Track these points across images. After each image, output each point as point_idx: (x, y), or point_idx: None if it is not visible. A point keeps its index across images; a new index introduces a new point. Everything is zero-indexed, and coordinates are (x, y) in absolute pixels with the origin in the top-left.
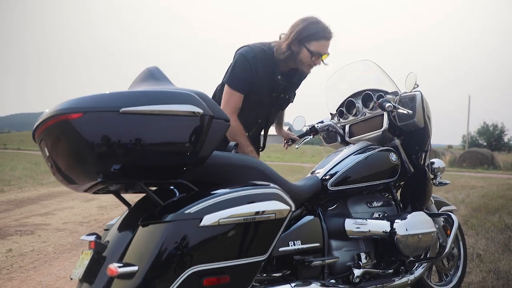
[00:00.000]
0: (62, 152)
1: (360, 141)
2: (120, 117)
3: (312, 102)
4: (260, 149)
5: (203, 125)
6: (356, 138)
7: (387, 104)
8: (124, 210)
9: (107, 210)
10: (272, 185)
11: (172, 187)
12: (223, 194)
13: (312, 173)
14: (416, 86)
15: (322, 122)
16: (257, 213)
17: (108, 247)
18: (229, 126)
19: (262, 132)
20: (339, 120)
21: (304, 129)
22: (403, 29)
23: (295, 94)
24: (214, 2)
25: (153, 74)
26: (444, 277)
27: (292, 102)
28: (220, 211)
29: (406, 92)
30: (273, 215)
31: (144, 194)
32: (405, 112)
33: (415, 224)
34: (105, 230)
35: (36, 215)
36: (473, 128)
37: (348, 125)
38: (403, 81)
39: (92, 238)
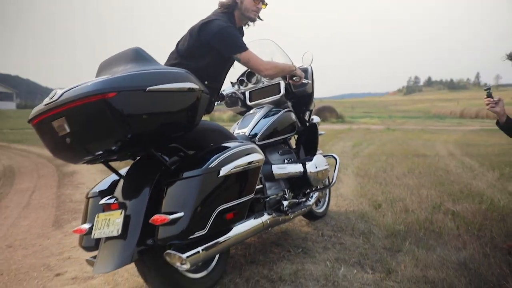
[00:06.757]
0: (90, 127)
1: (265, 105)
2: (145, 95)
3: None
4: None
5: (199, 99)
6: (256, 102)
7: (298, 75)
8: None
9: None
10: (247, 142)
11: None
12: (226, 150)
13: (237, 134)
14: (311, 62)
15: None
16: (249, 163)
17: (129, 205)
18: (208, 98)
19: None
20: (239, 87)
21: None
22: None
23: None
24: None
25: (141, 55)
26: (320, 203)
27: None
28: (230, 163)
29: (301, 66)
30: (257, 163)
31: (131, 162)
32: (305, 82)
33: (319, 163)
34: (90, 197)
35: None
36: None
37: (248, 91)
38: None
39: (112, 201)
